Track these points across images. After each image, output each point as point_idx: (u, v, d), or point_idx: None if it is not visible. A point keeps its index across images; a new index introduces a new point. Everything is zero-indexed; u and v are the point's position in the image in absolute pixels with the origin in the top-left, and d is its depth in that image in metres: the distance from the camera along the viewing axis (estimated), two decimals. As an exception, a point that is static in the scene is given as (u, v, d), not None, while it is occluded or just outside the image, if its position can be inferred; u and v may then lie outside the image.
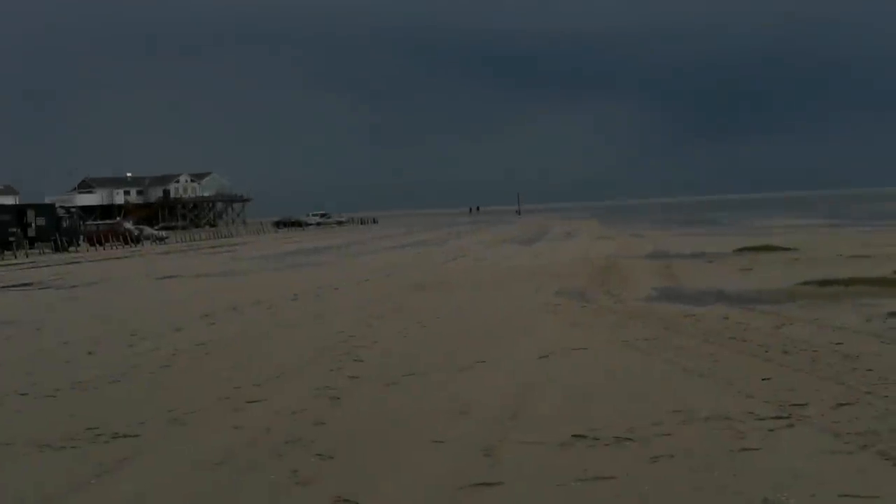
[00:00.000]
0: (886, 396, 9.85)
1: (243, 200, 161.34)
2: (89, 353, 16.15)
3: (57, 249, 70.42)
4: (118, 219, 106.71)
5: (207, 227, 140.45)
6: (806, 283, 21.75)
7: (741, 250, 35.25)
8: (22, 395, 12.46)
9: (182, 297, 27.62)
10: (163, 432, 9.95)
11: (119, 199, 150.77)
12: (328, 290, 27.07)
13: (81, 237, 78.90)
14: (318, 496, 7.52)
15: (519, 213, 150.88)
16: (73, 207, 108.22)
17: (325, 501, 7.38)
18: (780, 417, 9.22)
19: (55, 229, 73.65)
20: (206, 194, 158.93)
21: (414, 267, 36.47)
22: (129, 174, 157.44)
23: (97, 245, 75.88)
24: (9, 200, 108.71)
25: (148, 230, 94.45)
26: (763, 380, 11.06)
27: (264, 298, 24.71)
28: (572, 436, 8.88)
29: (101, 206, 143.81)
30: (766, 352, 12.94)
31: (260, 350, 15.72)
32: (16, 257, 62.40)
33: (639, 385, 11.27)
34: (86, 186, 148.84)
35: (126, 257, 60.14)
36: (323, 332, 17.53)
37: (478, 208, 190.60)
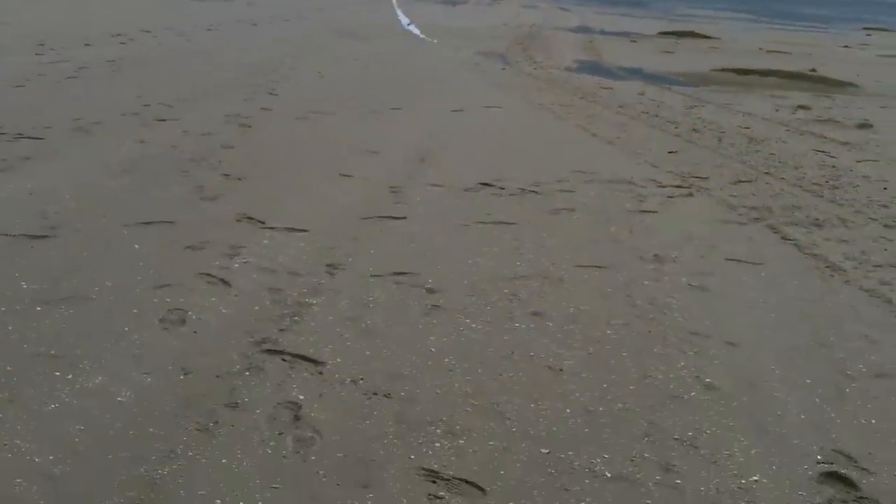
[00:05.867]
0: (783, 178, 10.15)
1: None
2: (-7, 57, 15.66)
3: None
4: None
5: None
6: (723, 69, 21.90)
7: (665, 34, 35.15)
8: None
9: (91, 15, 26.64)
10: (67, 137, 9.81)
11: None
12: (246, 24, 26.38)
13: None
14: (222, 211, 7.56)
15: None
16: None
17: (230, 216, 7.43)
18: (681, 187, 9.46)
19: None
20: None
21: (340, 11, 35.62)
22: None
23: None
24: None
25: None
26: (669, 152, 11.27)
27: (177, 26, 24.02)
28: (479, 183, 9.01)
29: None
30: (676, 128, 13.13)
31: (172, 73, 15.39)
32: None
33: (548, 145, 11.39)
34: None
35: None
36: (237, 63, 17.19)
37: None
